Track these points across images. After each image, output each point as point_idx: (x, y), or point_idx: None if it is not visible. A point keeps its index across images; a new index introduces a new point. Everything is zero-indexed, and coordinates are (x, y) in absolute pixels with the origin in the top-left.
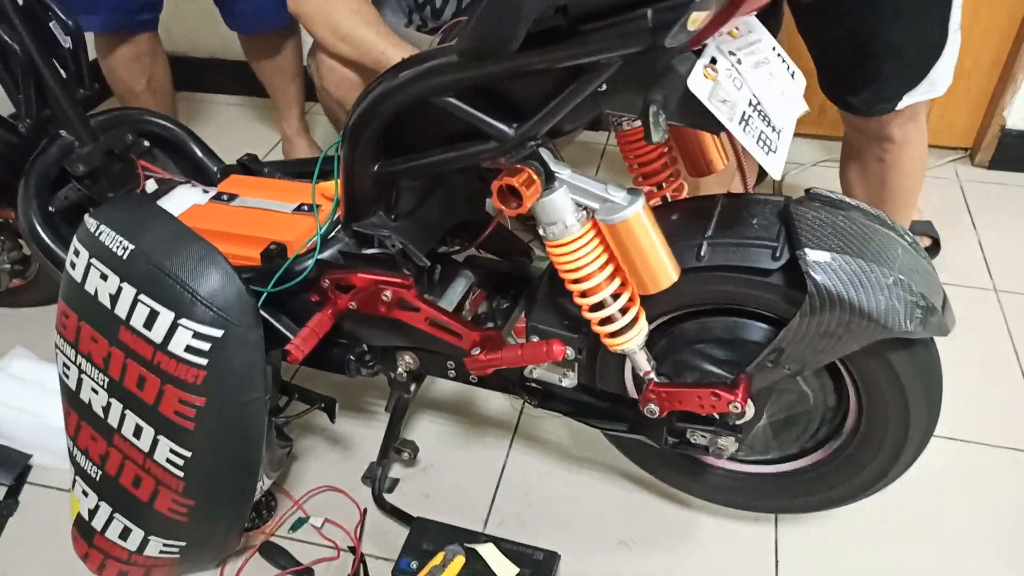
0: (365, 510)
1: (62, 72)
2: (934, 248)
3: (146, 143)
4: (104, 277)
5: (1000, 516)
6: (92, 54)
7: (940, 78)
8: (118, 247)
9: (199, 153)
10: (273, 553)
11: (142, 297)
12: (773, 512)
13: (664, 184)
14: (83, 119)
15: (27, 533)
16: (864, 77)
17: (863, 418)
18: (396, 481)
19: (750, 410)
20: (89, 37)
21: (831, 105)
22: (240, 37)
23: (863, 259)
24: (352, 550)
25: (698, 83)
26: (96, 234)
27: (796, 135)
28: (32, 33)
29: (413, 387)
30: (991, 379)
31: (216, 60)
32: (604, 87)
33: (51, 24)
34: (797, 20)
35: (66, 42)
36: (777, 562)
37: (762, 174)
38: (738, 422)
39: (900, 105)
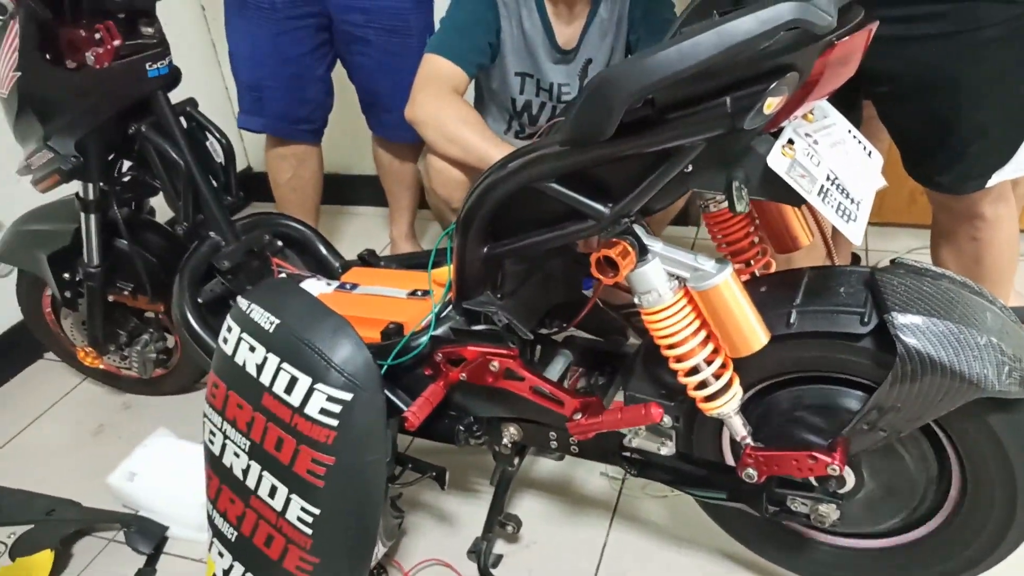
0: None
1: (214, 184)
2: None
3: (279, 243)
4: (252, 349)
5: None
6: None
7: None
8: (265, 322)
9: (323, 251)
10: None
11: (284, 365)
12: None
13: (752, 262)
14: (230, 223)
15: None
16: (950, 157)
17: (967, 485)
18: (500, 557)
19: (850, 478)
20: None
21: (921, 194)
22: (375, 147)
23: (951, 321)
24: None
25: (777, 160)
26: (247, 312)
27: (888, 224)
28: (192, 151)
29: (516, 460)
30: None
31: (353, 177)
32: (690, 168)
33: (207, 143)
34: (877, 106)
35: (218, 156)
36: None
37: (855, 260)
38: (839, 490)
39: (989, 183)
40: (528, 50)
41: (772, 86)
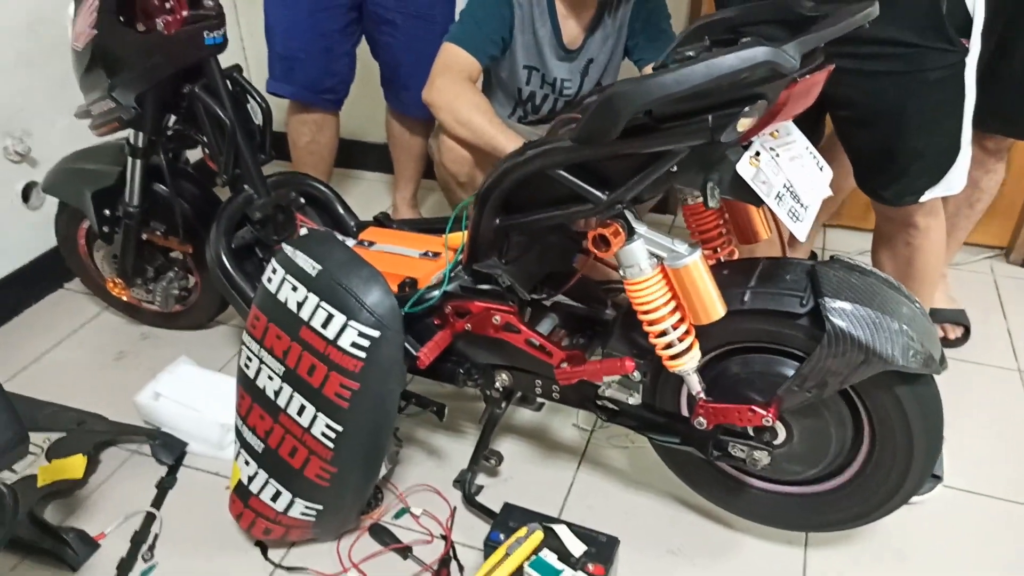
0: (455, 507)
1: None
2: (965, 335)
3: (302, 200)
4: (295, 289)
5: (1008, 564)
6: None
7: (956, 179)
8: (309, 267)
9: (341, 211)
10: (380, 533)
11: (323, 304)
12: (799, 530)
13: (719, 249)
14: (263, 179)
15: (182, 502)
16: (893, 175)
17: (876, 444)
18: (481, 487)
19: (781, 432)
20: None
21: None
22: (388, 119)
23: (871, 308)
24: (444, 537)
25: (745, 168)
26: (292, 257)
27: (844, 227)
28: (236, 112)
29: (504, 404)
30: (1010, 445)
31: (363, 143)
32: (675, 168)
33: (248, 106)
34: (837, 127)
35: (257, 118)
36: None
37: (812, 257)
38: (772, 441)
39: (923, 199)
40: (537, 47)
41: (746, 110)
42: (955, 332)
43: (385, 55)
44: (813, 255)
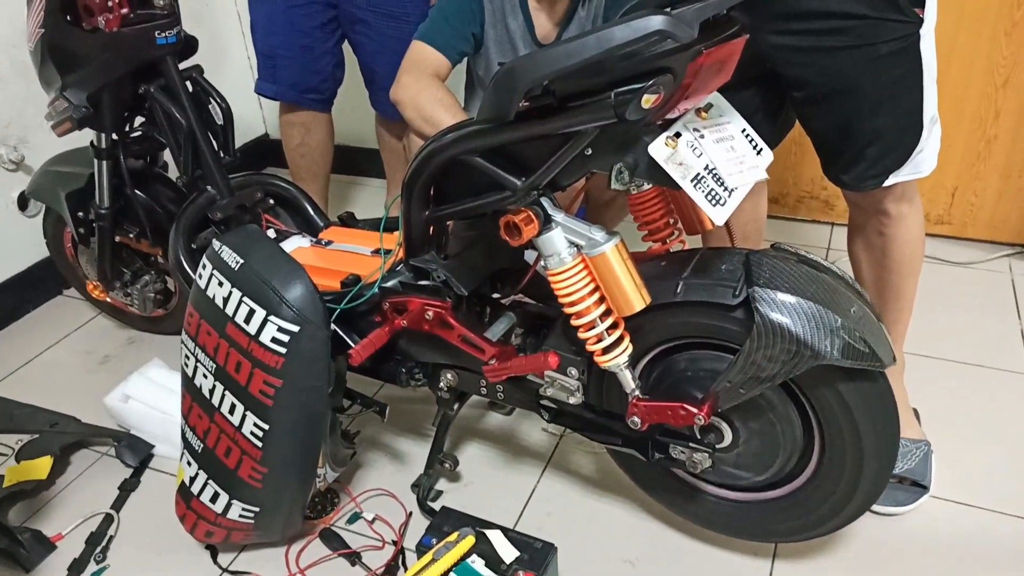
0: (411, 513)
1: (214, 143)
2: None
3: (271, 201)
4: (220, 284)
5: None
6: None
7: (924, 161)
8: (233, 261)
9: (310, 211)
10: (330, 538)
11: (245, 299)
12: (758, 539)
13: (667, 240)
14: (225, 178)
15: (143, 505)
16: (852, 157)
17: (826, 446)
18: (440, 492)
19: (727, 434)
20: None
21: None
22: (376, 122)
23: (806, 298)
24: (395, 543)
25: (658, 150)
26: (219, 252)
27: (840, 224)
28: (196, 112)
29: (456, 406)
30: (1011, 453)
31: (367, 149)
32: (590, 151)
33: (210, 106)
34: (795, 110)
35: (219, 119)
36: None
37: None
38: (718, 444)
39: (887, 182)
40: (510, 42)
41: (649, 84)
42: None
43: (361, 54)
44: None
